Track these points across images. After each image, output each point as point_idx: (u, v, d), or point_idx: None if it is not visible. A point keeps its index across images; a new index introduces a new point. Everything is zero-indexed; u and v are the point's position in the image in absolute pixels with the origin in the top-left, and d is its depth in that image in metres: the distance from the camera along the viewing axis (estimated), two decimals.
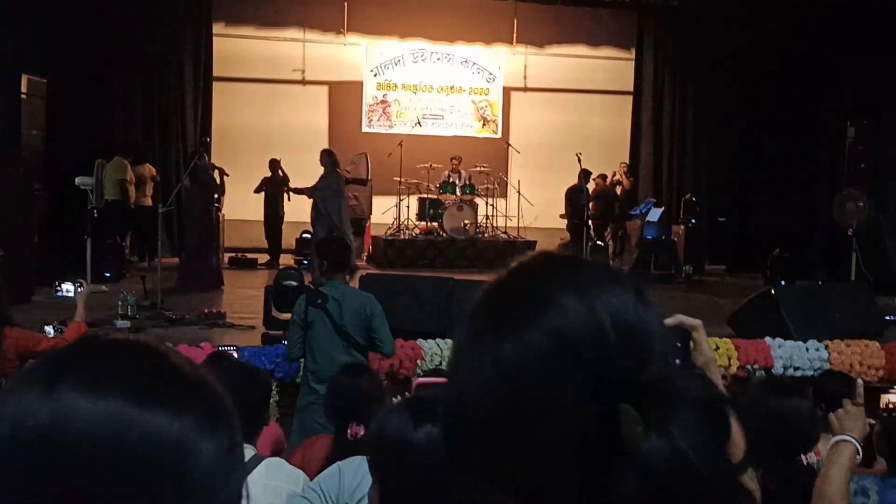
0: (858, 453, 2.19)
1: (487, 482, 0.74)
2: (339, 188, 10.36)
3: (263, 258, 12.25)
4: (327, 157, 10.52)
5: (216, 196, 10.08)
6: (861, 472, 2.38)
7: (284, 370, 5.74)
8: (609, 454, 0.66)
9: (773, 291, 7.02)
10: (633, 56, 15.20)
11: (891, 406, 2.32)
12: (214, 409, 0.65)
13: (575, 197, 12.49)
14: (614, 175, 13.85)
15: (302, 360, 4.78)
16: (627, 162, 14.13)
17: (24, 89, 9.08)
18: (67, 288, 4.83)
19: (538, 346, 0.69)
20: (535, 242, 12.82)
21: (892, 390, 2.35)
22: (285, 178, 12.26)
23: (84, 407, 0.60)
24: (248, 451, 2.52)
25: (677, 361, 0.92)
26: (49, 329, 5.34)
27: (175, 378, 0.64)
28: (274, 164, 12.30)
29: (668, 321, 0.96)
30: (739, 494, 0.71)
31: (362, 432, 3.08)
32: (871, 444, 2.60)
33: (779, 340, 6.37)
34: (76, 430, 0.59)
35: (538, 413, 0.69)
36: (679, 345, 0.94)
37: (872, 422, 2.44)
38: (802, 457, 2.59)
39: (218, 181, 10.69)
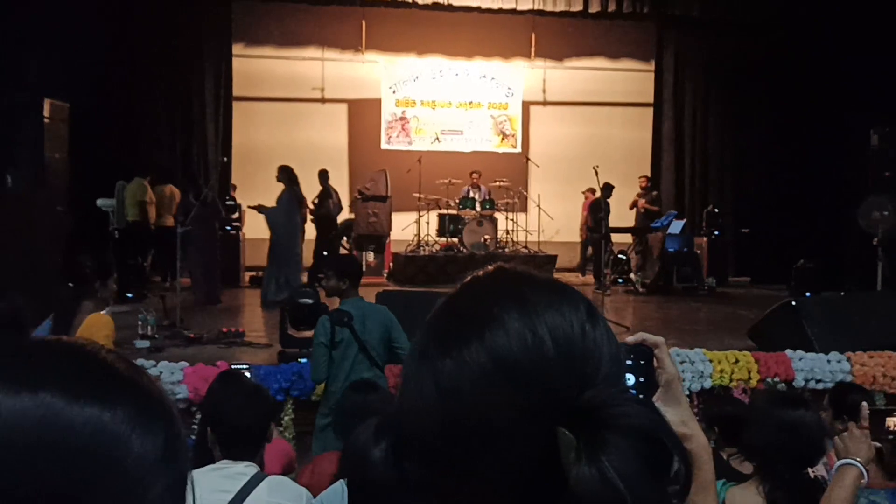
0: (863, 477, 2.15)
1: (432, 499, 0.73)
2: (290, 207, 10.07)
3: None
4: (283, 174, 10.20)
5: (219, 220, 10.20)
6: (872, 487, 2.33)
7: (300, 388, 5.73)
8: (549, 482, 0.64)
9: (793, 302, 6.92)
10: (652, 67, 15.16)
11: None
12: (148, 404, 0.63)
13: (594, 210, 12.44)
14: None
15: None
16: (648, 175, 13.94)
17: (46, 113, 9.23)
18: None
19: (478, 365, 0.68)
20: (555, 256, 12.78)
21: None
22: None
23: (6, 402, 0.59)
24: (251, 470, 2.51)
25: (640, 380, 0.89)
26: None
27: (106, 374, 0.64)
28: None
29: (630, 339, 0.94)
30: None
31: None
32: (882, 462, 2.55)
33: (800, 353, 6.26)
34: None
35: (477, 436, 0.67)
36: (642, 363, 0.91)
37: (878, 445, 2.39)
38: (810, 470, 2.55)
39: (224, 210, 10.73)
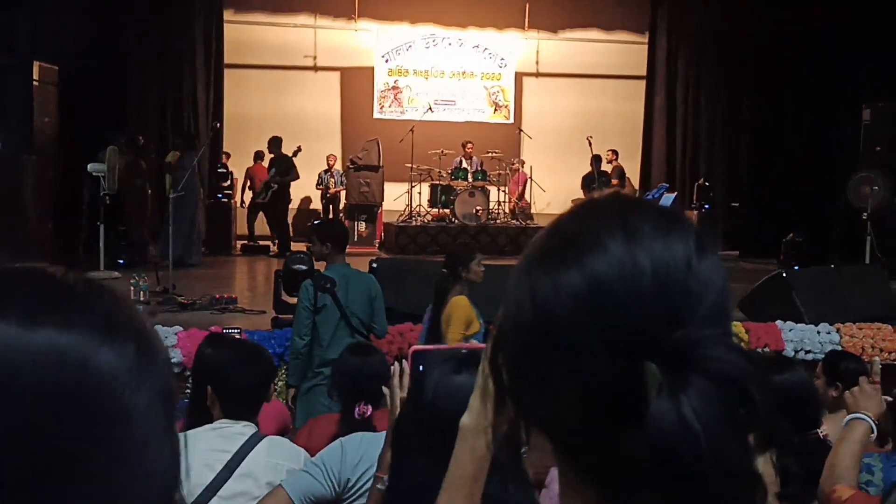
0: (873, 431, 2.16)
1: (519, 412, 0.76)
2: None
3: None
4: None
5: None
6: (866, 451, 2.36)
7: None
8: (627, 411, 0.64)
9: (784, 275, 6.98)
10: (646, 40, 15.09)
11: None
12: (111, 320, 0.60)
13: (587, 183, 12.45)
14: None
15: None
16: (615, 149, 13.82)
17: (36, 76, 9.11)
18: None
19: (573, 287, 0.67)
20: None
21: None
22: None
23: None
24: (249, 430, 2.52)
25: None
26: None
27: (61, 295, 0.60)
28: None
29: None
30: (751, 484, 0.66)
31: (370, 411, 3.09)
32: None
33: (790, 324, 6.32)
34: None
35: (562, 356, 0.67)
36: None
37: (889, 399, 2.41)
38: (818, 432, 2.56)
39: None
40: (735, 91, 14.26)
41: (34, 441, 0.55)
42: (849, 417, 2.13)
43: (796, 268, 10.00)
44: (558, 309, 0.68)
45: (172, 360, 5.36)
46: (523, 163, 13.66)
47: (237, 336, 5.02)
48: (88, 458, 0.56)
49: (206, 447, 2.48)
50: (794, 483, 2.23)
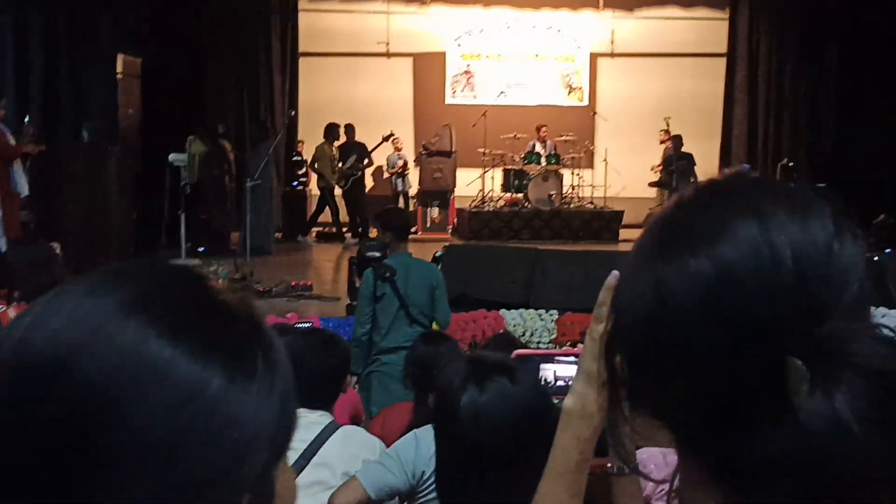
0: None
1: (636, 403, 0.72)
2: None
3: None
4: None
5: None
6: None
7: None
8: (766, 411, 0.59)
9: (875, 258, 6.67)
10: (727, 15, 14.62)
11: None
12: (268, 367, 0.59)
13: (667, 164, 12.19)
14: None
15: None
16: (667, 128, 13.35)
17: (119, 68, 9.36)
18: None
19: (703, 276, 0.62)
20: (622, 213, 12.57)
21: None
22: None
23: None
24: (325, 419, 2.53)
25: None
26: None
27: (234, 329, 0.59)
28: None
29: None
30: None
31: None
32: None
33: (882, 309, 6.05)
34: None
35: (690, 352, 0.62)
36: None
37: None
38: None
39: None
40: (820, 68, 13.71)
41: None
42: None
43: (888, 250, 9.57)
44: (685, 301, 0.63)
45: None
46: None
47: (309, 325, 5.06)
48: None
49: None
50: None
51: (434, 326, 5.02)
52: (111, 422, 0.52)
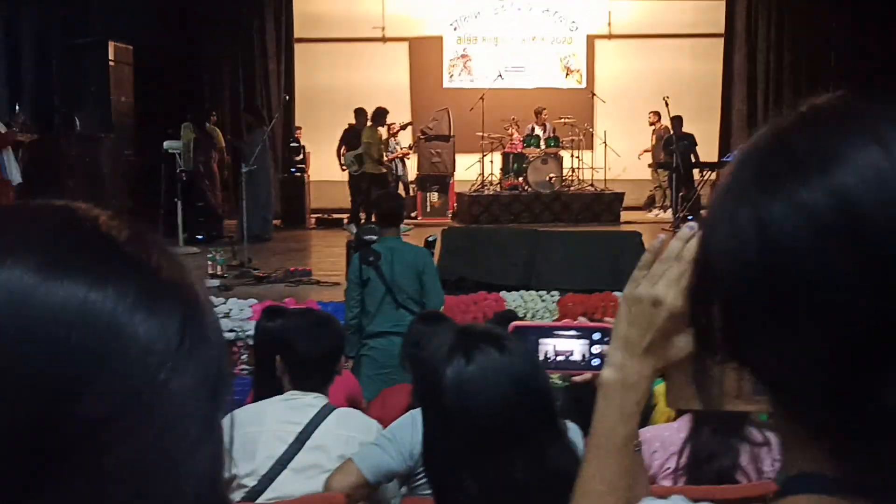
0: None
1: (730, 357, 0.62)
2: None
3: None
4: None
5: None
6: None
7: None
8: (884, 359, 0.52)
9: None
10: None
11: None
12: (154, 283, 0.50)
13: (666, 144, 12.09)
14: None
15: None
16: (657, 110, 13.01)
17: (111, 56, 9.27)
18: None
19: (817, 209, 0.54)
20: (622, 194, 12.49)
21: None
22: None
23: None
24: (320, 401, 2.47)
25: None
26: None
27: (99, 243, 0.50)
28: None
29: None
30: None
31: None
32: None
33: None
34: None
35: (808, 299, 0.54)
36: None
37: None
38: None
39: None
40: (819, 48, 13.59)
41: (41, 412, 0.45)
42: None
43: None
44: (799, 239, 0.54)
45: (246, 334, 5.42)
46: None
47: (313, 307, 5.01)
48: (103, 442, 0.46)
49: (276, 418, 2.44)
50: None
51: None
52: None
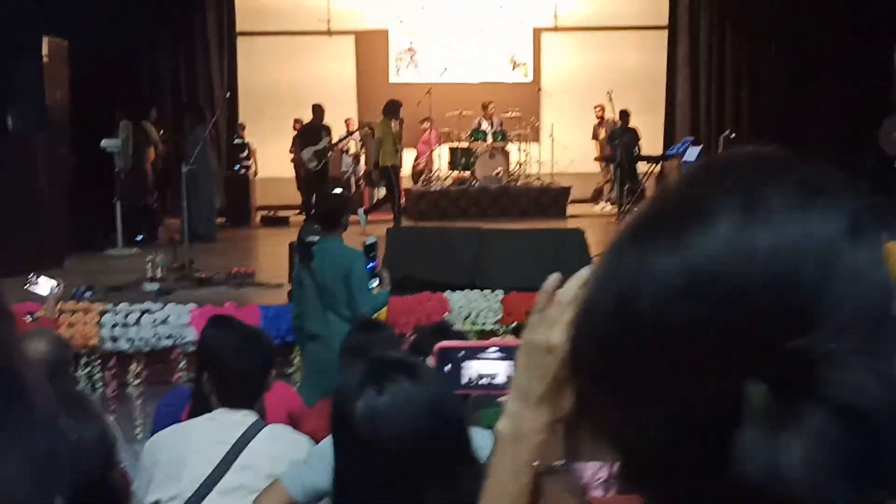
0: None
1: (590, 423, 0.60)
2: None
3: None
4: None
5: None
6: None
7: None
8: (715, 442, 0.49)
9: None
10: None
11: None
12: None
13: (612, 138, 12.18)
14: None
15: None
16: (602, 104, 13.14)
17: (45, 52, 8.98)
18: (41, 287, 4.18)
19: (666, 272, 0.51)
20: (569, 188, 12.57)
21: None
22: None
23: None
24: (248, 419, 2.40)
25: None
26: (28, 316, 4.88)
27: None
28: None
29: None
30: None
31: None
32: None
33: None
34: None
35: (646, 361, 0.52)
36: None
37: None
38: None
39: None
40: (761, 39, 13.82)
41: None
42: None
43: None
44: (645, 299, 0.52)
45: (185, 340, 5.31)
46: (431, 122, 12.97)
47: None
48: None
49: (203, 438, 2.37)
50: None
51: (382, 313, 4.91)
52: None
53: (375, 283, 4.65)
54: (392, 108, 11.05)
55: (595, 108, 13.09)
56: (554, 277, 0.80)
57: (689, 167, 0.59)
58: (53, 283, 4.19)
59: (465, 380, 1.63)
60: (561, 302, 0.77)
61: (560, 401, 0.78)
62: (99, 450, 1.66)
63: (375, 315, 4.60)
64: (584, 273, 0.80)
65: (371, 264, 4.66)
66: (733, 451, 0.47)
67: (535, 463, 0.95)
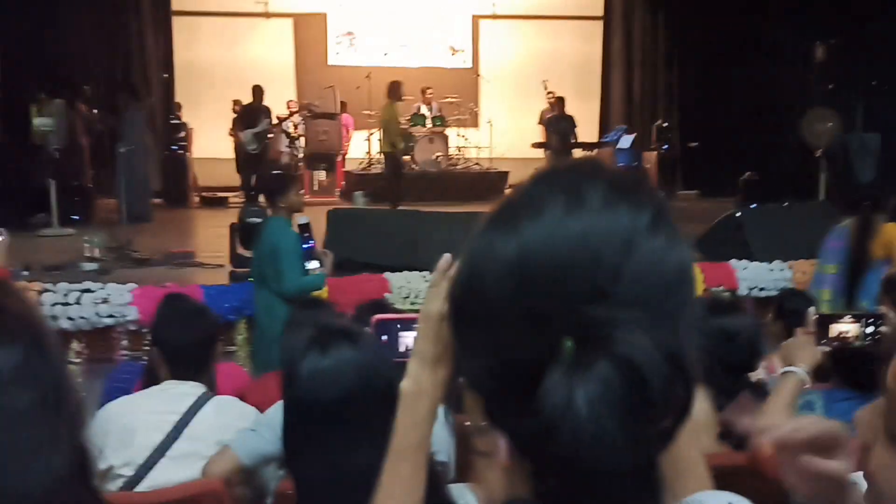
0: (806, 383, 2.19)
1: (458, 373, 0.76)
2: None
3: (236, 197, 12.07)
4: None
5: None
6: (807, 389, 2.41)
7: (252, 308, 5.72)
8: (531, 386, 0.62)
9: (737, 214, 7.07)
10: None
11: (841, 335, 2.33)
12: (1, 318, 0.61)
13: (557, 125, 12.35)
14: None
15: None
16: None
17: None
18: None
19: (505, 252, 0.65)
20: (507, 173, 12.78)
21: (841, 320, 2.35)
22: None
23: None
24: (197, 390, 2.51)
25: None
26: None
27: None
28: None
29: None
30: (647, 483, 0.64)
31: None
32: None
33: (744, 262, 6.42)
34: None
35: (484, 320, 0.66)
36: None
37: (827, 349, 2.44)
38: (750, 375, 2.62)
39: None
40: (691, 31, 14.19)
41: None
42: (781, 370, 2.16)
43: (753, 206, 10.13)
44: (488, 272, 0.66)
45: (126, 319, 5.34)
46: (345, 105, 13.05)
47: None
48: None
49: (152, 409, 2.47)
50: (731, 424, 2.28)
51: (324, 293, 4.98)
52: None
53: (314, 264, 4.67)
54: (395, 90, 10.79)
55: (547, 94, 13.23)
56: (445, 257, 0.93)
57: (536, 170, 0.73)
58: None
59: (402, 348, 1.81)
60: (444, 276, 0.90)
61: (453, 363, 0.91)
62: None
63: (316, 294, 4.66)
64: (447, 255, 0.95)
65: (306, 245, 4.69)
66: (540, 390, 0.60)
67: (467, 423, 1.12)
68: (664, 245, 0.65)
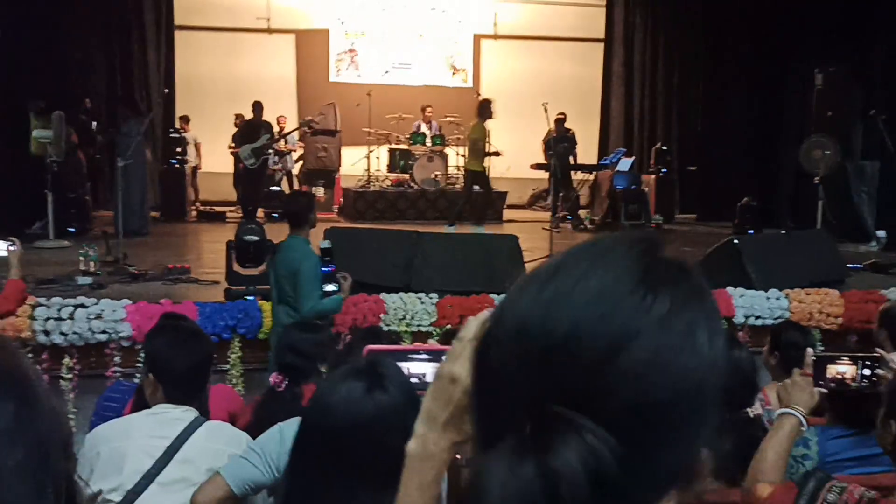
0: (802, 425, 2.17)
1: None
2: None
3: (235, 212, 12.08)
4: None
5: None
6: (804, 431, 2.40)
7: (247, 326, 5.70)
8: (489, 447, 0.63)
9: (735, 241, 7.06)
10: (604, 2, 15.02)
11: (838, 376, 2.32)
12: None
13: (555, 146, 12.37)
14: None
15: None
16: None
17: None
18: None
19: (506, 319, 0.66)
20: (506, 193, 12.79)
21: (839, 361, 2.34)
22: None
23: None
24: (189, 415, 2.49)
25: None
26: None
27: None
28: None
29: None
30: None
31: (284, 384, 3.11)
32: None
33: (740, 290, 6.41)
34: None
35: (488, 386, 0.68)
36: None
37: (825, 391, 2.42)
38: (749, 410, 2.60)
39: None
40: (692, 55, 14.29)
41: None
42: (778, 412, 2.14)
43: (751, 231, 10.13)
44: (498, 337, 0.67)
45: (119, 336, 5.30)
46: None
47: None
48: None
49: (144, 433, 2.45)
50: (726, 459, 2.26)
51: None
52: None
53: (333, 286, 4.79)
54: (486, 109, 10.63)
55: (557, 115, 13.22)
56: (473, 321, 0.89)
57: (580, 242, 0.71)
58: (6, 243, 4.25)
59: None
60: (462, 338, 0.86)
61: (463, 426, 0.88)
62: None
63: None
64: (483, 314, 0.94)
65: (327, 268, 4.78)
66: (477, 468, 0.60)
67: (458, 457, 1.10)
68: (679, 343, 0.60)
